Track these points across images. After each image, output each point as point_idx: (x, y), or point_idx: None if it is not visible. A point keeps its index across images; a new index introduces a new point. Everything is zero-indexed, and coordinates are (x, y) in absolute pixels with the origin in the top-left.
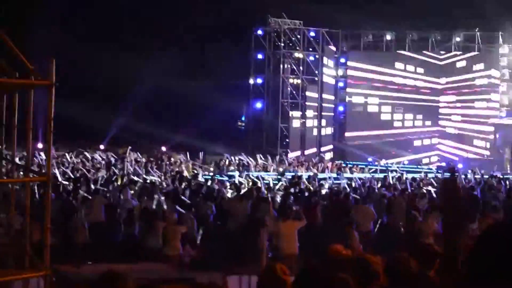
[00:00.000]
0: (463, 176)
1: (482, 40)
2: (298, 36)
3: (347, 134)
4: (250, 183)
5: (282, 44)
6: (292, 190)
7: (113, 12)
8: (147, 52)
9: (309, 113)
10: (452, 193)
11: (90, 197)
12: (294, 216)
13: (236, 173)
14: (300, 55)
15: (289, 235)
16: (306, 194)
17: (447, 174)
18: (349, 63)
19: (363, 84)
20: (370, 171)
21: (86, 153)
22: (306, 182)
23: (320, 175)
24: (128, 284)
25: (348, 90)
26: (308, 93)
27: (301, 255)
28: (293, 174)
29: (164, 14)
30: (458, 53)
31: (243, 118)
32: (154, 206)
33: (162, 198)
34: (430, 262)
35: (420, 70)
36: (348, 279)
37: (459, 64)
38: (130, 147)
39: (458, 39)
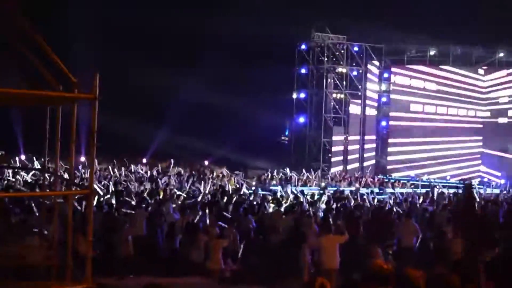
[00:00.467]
0: (505, 192)
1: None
2: (342, 51)
3: (389, 149)
4: (292, 198)
5: (326, 59)
6: (334, 204)
7: (155, 25)
8: (190, 66)
9: (352, 128)
10: (468, 209)
11: (132, 211)
12: (335, 230)
13: (278, 188)
14: (344, 70)
15: (329, 249)
16: (349, 209)
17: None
18: (393, 78)
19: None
20: (412, 186)
21: (132, 167)
22: (350, 196)
23: (362, 190)
24: None
25: (391, 106)
26: (351, 108)
27: (342, 269)
28: (335, 188)
29: (208, 28)
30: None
31: (286, 133)
32: (196, 220)
33: (205, 212)
34: (471, 278)
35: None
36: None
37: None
38: (172, 161)
39: (501, 54)
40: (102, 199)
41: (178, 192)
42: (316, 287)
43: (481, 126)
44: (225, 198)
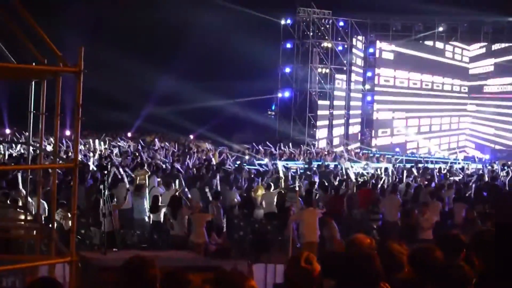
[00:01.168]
0: (489, 167)
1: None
2: (327, 26)
3: (375, 124)
4: (277, 172)
5: (311, 34)
6: (318, 179)
7: None
8: (178, 41)
9: (337, 102)
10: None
11: (117, 184)
12: (316, 204)
13: (264, 161)
14: (329, 45)
15: (310, 223)
16: (333, 183)
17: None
18: (378, 53)
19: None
20: (397, 161)
21: (118, 140)
22: (334, 171)
23: (347, 164)
24: (155, 270)
25: (376, 80)
26: (336, 83)
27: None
28: (321, 163)
29: (193, 5)
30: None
31: (273, 107)
32: (179, 194)
33: (189, 186)
34: (457, 252)
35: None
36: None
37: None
38: (157, 135)
39: (486, 29)
40: (86, 173)
41: (163, 166)
42: (302, 261)
43: (467, 100)
44: (210, 172)
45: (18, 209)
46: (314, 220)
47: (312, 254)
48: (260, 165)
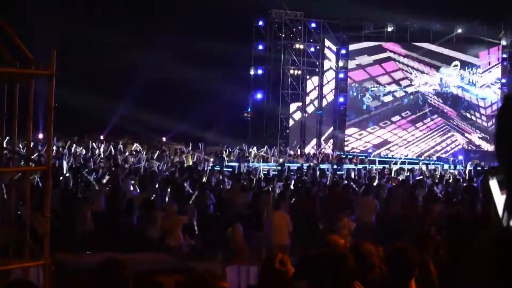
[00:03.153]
0: (461, 168)
1: (484, 30)
2: (299, 27)
3: (347, 124)
4: (249, 174)
5: (283, 35)
6: (292, 181)
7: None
8: (147, 42)
9: (309, 104)
10: None
11: (90, 187)
12: (284, 207)
13: (236, 164)
14: (301, 46)
15: (280, 226)
16: (306, 185)
17: None
18: (350, 54)
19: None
20: (370, 162)
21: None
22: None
23: (320, 166)
24: (128, 271)
25: (348, 81)
26: (308, 84)
27: (299, 246)
28: (296, 165)
29: (164, 3)
30: None
31: (249, 109)
32: (154, 197)
33: (163, 188)
34: (430, 249)
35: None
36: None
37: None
38: (130, 138)
39: (459, 30)
40: (61, 175)
41: (136, 168)
42: (276, 263)
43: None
44: (184, 175)
45: None
46: (284, 223)
47: (286, 256)
48: (231, 167)
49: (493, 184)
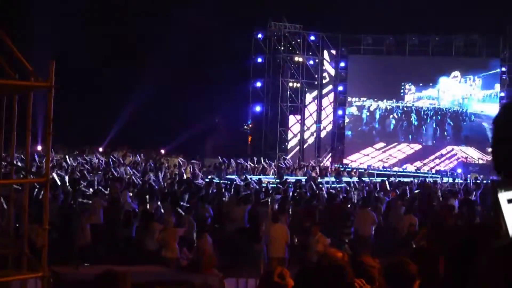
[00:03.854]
0: (461, 181)
1: (483, 44)
2: (298, 40)
3: (346, 137)
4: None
5: (282, 48)
6: (290, 194)
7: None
8: (147, 55)
9: (308, 117)
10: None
11: (89, 200)
12: (283, 220)
13: (235, 176)
14: (300, 59)
15: (277, 239)
16: (305, 198)
17: None
18: (349, 68)
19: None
20: (369, 175)
21: (85, 155)
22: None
23: (319, 179)
24: (127, 284)
25: (348, 96)
26: (307, 97)
27: (299, 259)
28: (294, 178)
29: (164, 16)
30: None
31: (249, 122)
32: (152, 209)
33: (161, 201)
34: (429, 265)
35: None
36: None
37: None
38: (129, 150)
39: (458, 43)
40: (58, 188)
41: (134, 181)
42: (275, 276)
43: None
44: (182, 187)
45: None
46: (282, 236)
47: (285, 269)
48: (230, 179)
49: (502, 197)
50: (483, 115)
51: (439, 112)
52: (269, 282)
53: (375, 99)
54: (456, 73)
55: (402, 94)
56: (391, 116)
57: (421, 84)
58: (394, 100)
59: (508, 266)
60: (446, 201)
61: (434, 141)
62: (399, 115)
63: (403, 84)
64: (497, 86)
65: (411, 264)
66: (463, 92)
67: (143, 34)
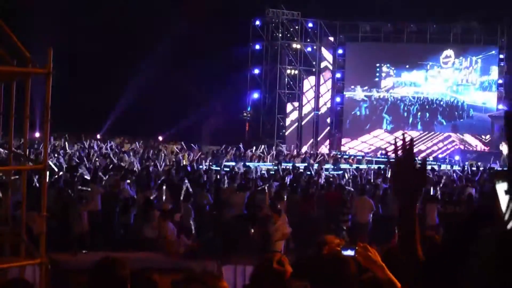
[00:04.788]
0: (459, 168)
1: (481, 32)
2: (296, 27)
3: (344, 123)
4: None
5: (280, 35)
6: (288, 180)
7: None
8: (145, 42)
9: (306, 103)
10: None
11: (87, 187)
12: (282, 206)
13: (233, 163)
14: (298, 46)
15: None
16: (303, 185)
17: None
18: (347, 55)
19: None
20: (367, 162)
21: (84, 142)
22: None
23: (316, 166)
24: (126, 270)
25: (345, 83)
26: (305, 84)
27: (297, 246)
28: (291, 164)
29: (161, 5)
30: None
31: (248, 109)
32: (151, 196)
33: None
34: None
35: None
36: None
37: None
38: (126, 137)
39: (454, 31)
40: (56, 175)
41: (132, 168)
42: (274, 262)
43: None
44: (180, 174)
45: None
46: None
47: (284, 256)
48: (228, 166)
49: (500, 187)
50: (484, 107)
51: (427, 103)
52: (268, 268)
53: (371, 87)
54: (449, 52)
55: (396, 83)
56: (386, 105)
57: (407, 66)
58: (384, 88)
59: (501, 252)
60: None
61: (433, 127)
62: (391, 104)
63: (394, 72)
64: (495, 72)
65: None
66: (457, 77)
67: (142, 22)
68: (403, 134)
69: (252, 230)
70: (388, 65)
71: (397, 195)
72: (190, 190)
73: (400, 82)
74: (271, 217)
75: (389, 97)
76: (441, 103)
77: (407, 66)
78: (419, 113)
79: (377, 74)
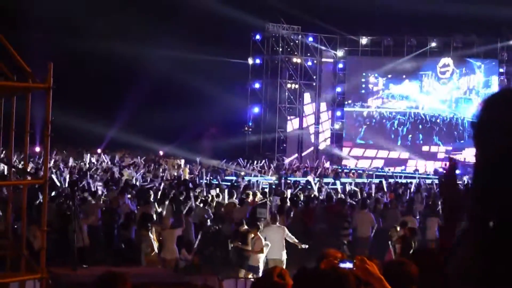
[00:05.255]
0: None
1: (481, 44)
2: (296, 41)
3: (344, 139)
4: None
5: (280, 49)
6: (289, 195)
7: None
8: (145, 55)
9: (306, 118)
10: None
11: (87, 201)
12: (282, 221)
13: (234, 178)
14: (298, 60)
15: (275, 240)
16: (304, 199)
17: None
18: (347, 69)
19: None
20: (367, 176)
21: (84, 155)
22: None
23: (317, 180)
24: (127, 285)
25: (346, 96)
26: (305, 98)
27: (298, 259)
28: (291, 179)
29: (163, 16)
30: None
31: (250, 123)
32: (152, 210)
33: (160, 202)
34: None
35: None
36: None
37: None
38: (127, 152)
39: (454, 44)
40: (58, 189)
41: (133, 182)
42: (275, 275)
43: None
44: (181, 188)
45: None
46: (279, 237)
47: (284, 269)
48: (229, 180)
49: None
50: None
51: (420, 120)
52: (268, 281)
53: (369, 102)
54: (447, 60)
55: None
56: (385, 120)
57: (403, 76)
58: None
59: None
60: None
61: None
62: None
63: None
64: (495, 85)
65: (412, 265)
66: (456, 89)
67: (142, 34)
68: (449, 156)
69: (231, 246)
70: (384, 78)
71: (443, 212)
72: (193, 204)
73: (393, 95)
74: (249, 232)
75: (385, 112)
76: (437, 120)
77: (404, 77)
78: (409, 135)
79: (372, 87)
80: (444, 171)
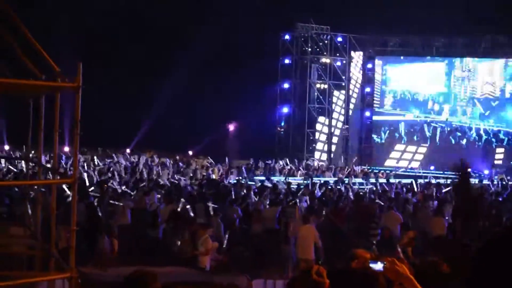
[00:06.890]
0: (488, 182)
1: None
2: (325, 41)
3: (373, 140)
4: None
5: (309, 49)
6: (319, 195)
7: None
8: (175, 56)
9: (336, 118)
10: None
11: (117, 201)
12: (312, 221)
13: (263, 178)
14: (327, 60)
15: (304, 239)
16: (333, 199)
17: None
18: (377, 69)
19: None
20: (396, 177)
21: (114, 156)
22: (334, 187)
23: (346, 180)
24: (157, 284)
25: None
26: (334, 98)
27: (327, 260)
28: (320, 179)
29: (193, 19)
30: None
31: (282, 123)
32: (179, 209)
33: (190, 201)
34: (462, 265)
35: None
36: (380, 276)
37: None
38: (156, 152)
39: (485, 43)
40: (88, 189)
41: (162, 182)
42: (313, 273)
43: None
44: (210, 188)
45: (18, 225)
46: (309, 237)
47: (322, 267)
48: (258, 180)
49: None
50: None
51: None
52: (306, 280)
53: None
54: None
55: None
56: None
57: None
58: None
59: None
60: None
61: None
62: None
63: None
64: None
65: (444, 265)
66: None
67: (171, 36)
68: (461, 159)
69: (179, 243)
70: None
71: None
72: (211, 206)
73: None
74: (199, 231)
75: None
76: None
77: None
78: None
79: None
80: (457, 174)
